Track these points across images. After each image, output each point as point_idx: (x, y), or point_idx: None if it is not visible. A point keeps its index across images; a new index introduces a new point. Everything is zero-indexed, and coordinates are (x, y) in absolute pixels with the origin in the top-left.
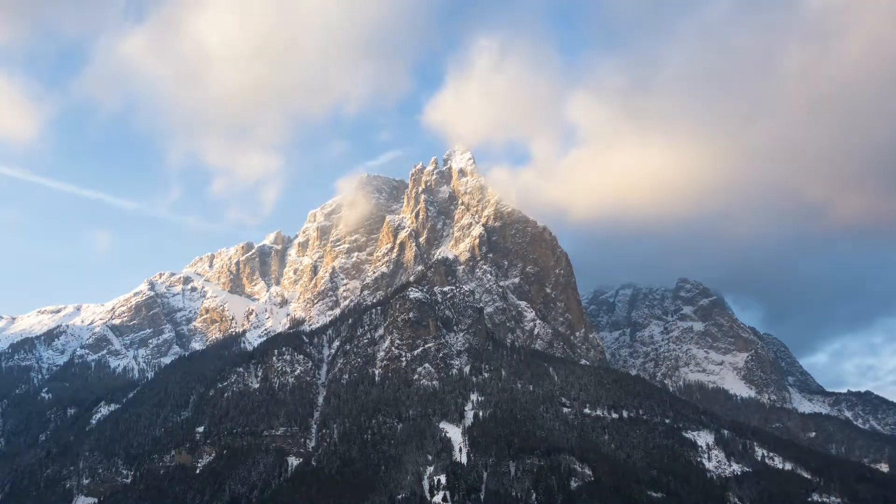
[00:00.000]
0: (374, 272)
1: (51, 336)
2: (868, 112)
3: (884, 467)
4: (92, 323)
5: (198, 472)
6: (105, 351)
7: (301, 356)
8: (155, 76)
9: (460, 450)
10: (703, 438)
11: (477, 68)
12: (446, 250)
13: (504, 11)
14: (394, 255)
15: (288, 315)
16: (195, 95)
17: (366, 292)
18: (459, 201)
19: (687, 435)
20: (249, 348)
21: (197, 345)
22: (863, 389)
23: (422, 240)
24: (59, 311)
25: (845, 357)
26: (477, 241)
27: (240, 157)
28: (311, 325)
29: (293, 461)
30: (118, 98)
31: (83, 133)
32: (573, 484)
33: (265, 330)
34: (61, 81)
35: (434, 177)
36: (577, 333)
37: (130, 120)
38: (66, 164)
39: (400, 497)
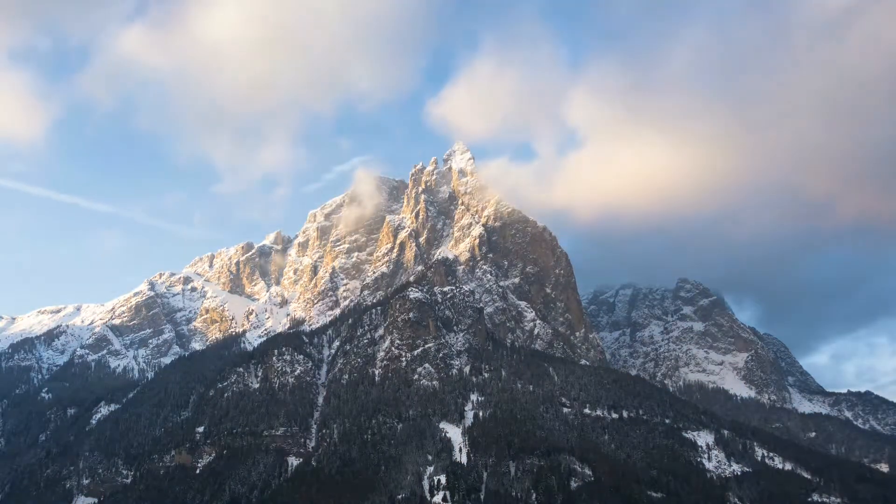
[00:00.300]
0: (374, 272)
1: (51, 336)
2: (868, 112)
3: (884, 467)
4: (92, 323)
5: (198, 472)
6: (105, 351)
7: (301, 356)
8: (158, 74)
9: (460, 450)
10: (703, 438)
11: (478, 68)
12: (446, 250)
13: (505, 12)
14: (394, 255)
15: (288, 315)
16: (199, 93)
17: (366, 292)
18: (459, 201)
19: (687, 435)
20: (249, 348)
21: (197, 345)
22: (863, 389)
23: (422, 240)
24: (59, 311)
25: (845, 357)
26: (477, 241)
27: (244, 156)
28: (311, 325)
29: (293, 461)
30: (121, 97)
31: (87, 133)
32: (573, 484)
33: (265, 330)
34: (64, 81)
35: (434, 177)
36: (577, 333)
37: (134, 119)
38: (70, 165)
39: (400, 497)
